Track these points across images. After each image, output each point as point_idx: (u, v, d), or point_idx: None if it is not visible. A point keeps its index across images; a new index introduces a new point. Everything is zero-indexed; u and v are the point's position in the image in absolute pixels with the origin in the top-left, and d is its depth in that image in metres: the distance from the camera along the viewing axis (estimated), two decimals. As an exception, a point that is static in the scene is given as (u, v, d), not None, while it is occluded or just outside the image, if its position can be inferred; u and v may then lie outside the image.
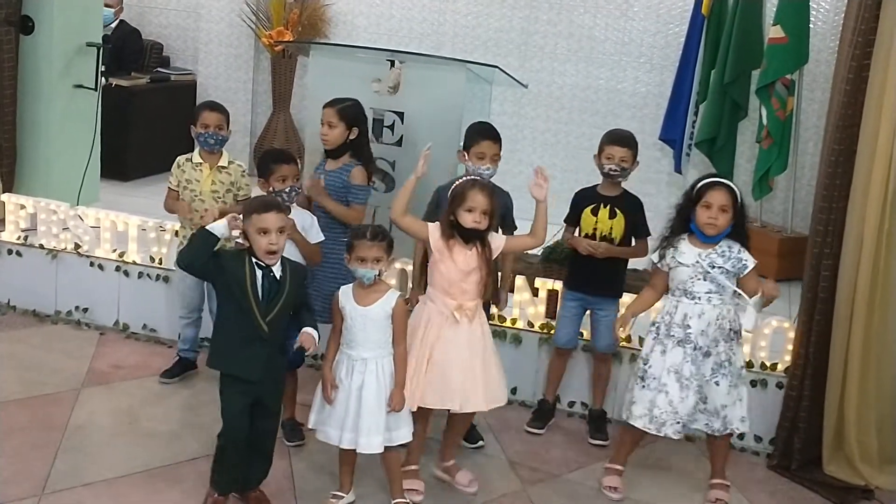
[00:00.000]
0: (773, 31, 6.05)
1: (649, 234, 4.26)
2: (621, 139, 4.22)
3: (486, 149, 4.06)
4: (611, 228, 4.20)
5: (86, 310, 5.22)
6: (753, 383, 4.36)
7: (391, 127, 4.75)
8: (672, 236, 3.79)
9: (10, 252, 5.33)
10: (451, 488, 3.86)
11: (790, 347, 4.29)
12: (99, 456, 3.87)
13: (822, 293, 4.08)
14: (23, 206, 5.37)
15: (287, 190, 3.91)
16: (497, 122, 4.57)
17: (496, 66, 4.73)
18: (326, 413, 3.53)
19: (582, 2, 7.27)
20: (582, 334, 4.47)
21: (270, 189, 3.91)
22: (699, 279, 3.70)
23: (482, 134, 4.10)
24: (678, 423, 3.73)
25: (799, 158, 6.40)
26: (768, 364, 4.39)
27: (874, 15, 3.85)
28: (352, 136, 4.21)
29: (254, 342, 3.36)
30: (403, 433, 3.56)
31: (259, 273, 3.34)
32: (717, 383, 3.72)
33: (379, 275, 3.45)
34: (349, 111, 4.21)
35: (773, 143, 6.18)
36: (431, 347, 3.60)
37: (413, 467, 3.80)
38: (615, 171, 4.17)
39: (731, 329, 3.73)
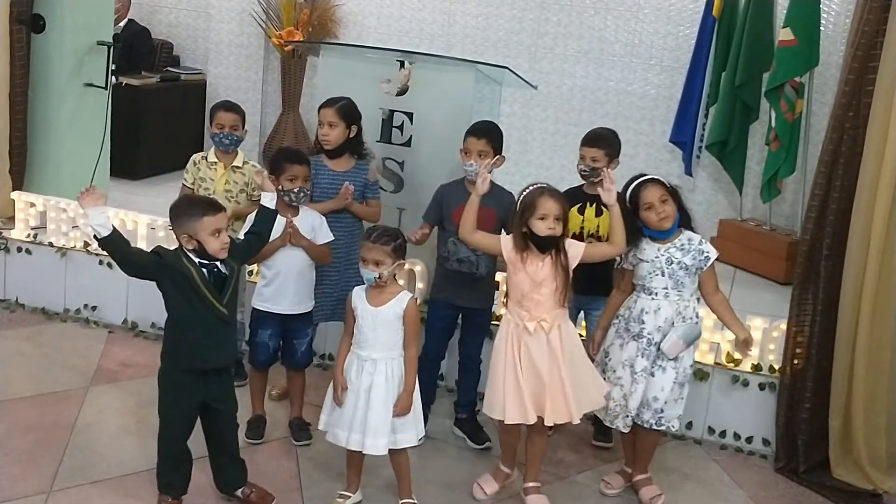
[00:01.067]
0: (782, 34, 6.03)
1: None
2: (592, 139, 4.19)
3: (469, 145, 4.06)
4: (598, 226, 4.19)
5: (94, 308, 5.24)
6: (762, 386, 4.36)
7: (400, 127, 4.75)
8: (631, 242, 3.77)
9: (19, 250, 5.35)
10: (467, 492, 3.86)
11: (798, 351, 4.26)
12: (107, 454, 3.88)
13: (822, 294, 4.07)
14: (32, 204, 5.39)
15: (296, 190, 3.91)
16: (506, 124, 4.58)
17: (506, 67, 4.72)
18: (337, 414, 3.54)
19: (592, 3, 7.27)
20: (582, 336, 4.47)
21: (280, 188, 3.90)
22: (657, 275, 3.70)
23: (468, 130, 4.11)
24: (628, 416, 3.75)
25: (808, 161, 6.38)
26: (776, 367, 4.38)
27: (878, 18, 3.85)
28: (351, 135, 4.22)
29: (217, 329, 3.35)
30: (409, 436, 3.55)
31: (204, 270, 3.31)
32: (652, 375, 3.72)
33: (379, 277, 3.43)
34: (347, 109, 4.22)
35: (782, 146, 6.16)
36: (515, 362, 3.58)
37: (506, 471, 3.84)
38: (585, 171, 4.16)
39: None
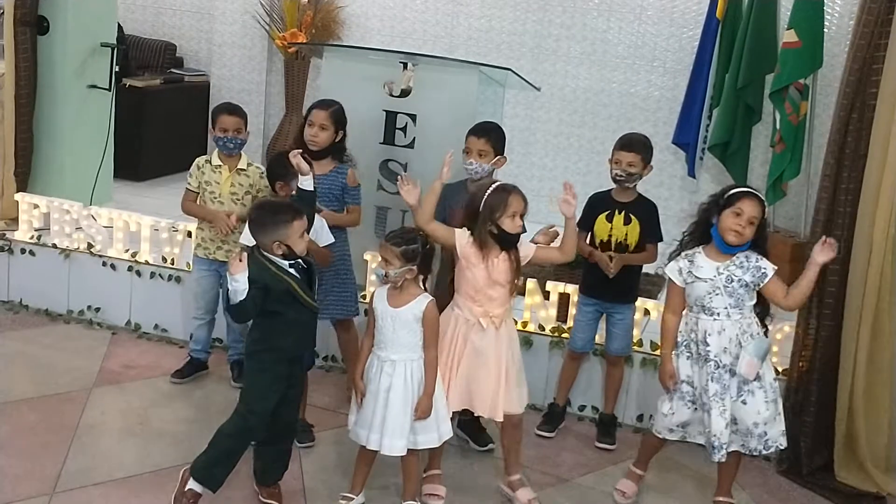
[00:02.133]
0: (786, 36, 6.02)
1: (661, 240, 4.23)
2: (628, 144, 4.18)
3: (470, 144, 4.06)
4: (626, 235, 4.17)
5: (98, 309, 5.24)
6: (765, 389, 4.35)
7: (404, 129, 4.75)
8: (690, 243, 3.69)
9: (23, 251, 5.36)
10: (470, 494, 3.86)
11: (805, 353, 4.24)
12: (109, 456, 3.88)
13: (828, 298, 4.06)
14: (36, 206, 5.39)
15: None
16: (509, 125, 4.57)
17: (509, 69, 4.73)
18: (358, 413, 3.57)
19: (595, 5, 7.25)
20: (599, 343, 4.47)
21: (286, 194, 3.90)
22: (717, 294, 3.58)
23: (470, 130, 4.12)
24: (721, 445, 3.57)
25: (812, 163, 6.36)
26: (780, 369, 4.37)
27: (877, 19, 3.84)
28: (337, 139, 4.21)
29: (312, 320, 3.51)
30: (431, 438, 3.57)
31: (292, 270, 3.39)
32: (744, 402, 3.60)
33: (385, 276, 3.45)
34: (339, 114, 4.21)
35: (786, 148, 6.15)
36: (459, 355, 3.61)
37: (436, 472, 3.80)
38: (621, 176, 4.15)
39: None
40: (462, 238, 3.60)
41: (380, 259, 3.49)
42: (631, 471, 3.98)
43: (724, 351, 3.58)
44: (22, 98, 5.56)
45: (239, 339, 4.49)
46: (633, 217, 4.17)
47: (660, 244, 4.22)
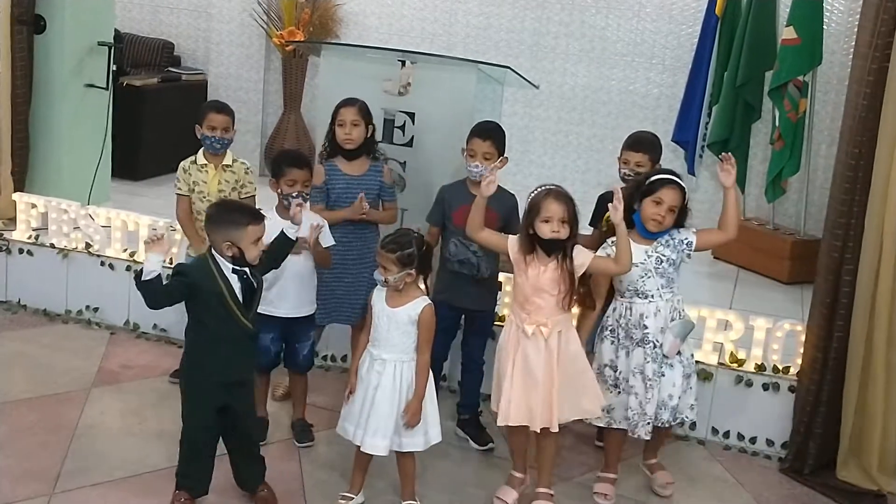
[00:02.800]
0: (786, 33, 6.02)
1: None
2: (637, 143, 4.18)
3: (475, 146, 4.03)
4: None
5: (96, 309, 5.22)
6: (766, 386, 4.34)
7: (402, 127, 4.73)
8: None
9: (21, 251, 5.34)
10: (469, 494, 3.84)
11: (818, 354, 4.19)
12: (108, 456, 3.87)
13: (843, 298, 4.04)
14: (34, 206, 5.37)
15: (294, 195, 3.87)
16: (508, 123, 4.56)
17: (507, 67, 4.71)
18: (348, 408, 3.56)
19: (594, 2, 7.25)
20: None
21: (280, 191, 3.89)
22: (649, 277, 3.64)
23: (473, 131, 4.08)
24: (648, 423, 3.68)
25: (812, 160, 6.37)
26: (780, 367, 4.36)
27: (893, 17, 3.82)
28: (369, 134, 4.22)
29: (242, 342, 3.39)
30: (416, 441, 3.53)
31: (234, 277, 3.32)
32: (662, 374, 3.67)
33: (385, 281, 3.42)
34: (366, 109, 4.21)
35: (785, 145, 6.15)
36: (514, 365, 3.56)
37: (519, 475, 3.77)
38: (629, 176, 4.14)
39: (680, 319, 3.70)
40: (514, 245, 3.56)
41: (378, 265, 3.46)
42: (603, 476, 3.92)
43: (660, 331, 3.65)
44: (18, 97, 5.54)
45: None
46: None
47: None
